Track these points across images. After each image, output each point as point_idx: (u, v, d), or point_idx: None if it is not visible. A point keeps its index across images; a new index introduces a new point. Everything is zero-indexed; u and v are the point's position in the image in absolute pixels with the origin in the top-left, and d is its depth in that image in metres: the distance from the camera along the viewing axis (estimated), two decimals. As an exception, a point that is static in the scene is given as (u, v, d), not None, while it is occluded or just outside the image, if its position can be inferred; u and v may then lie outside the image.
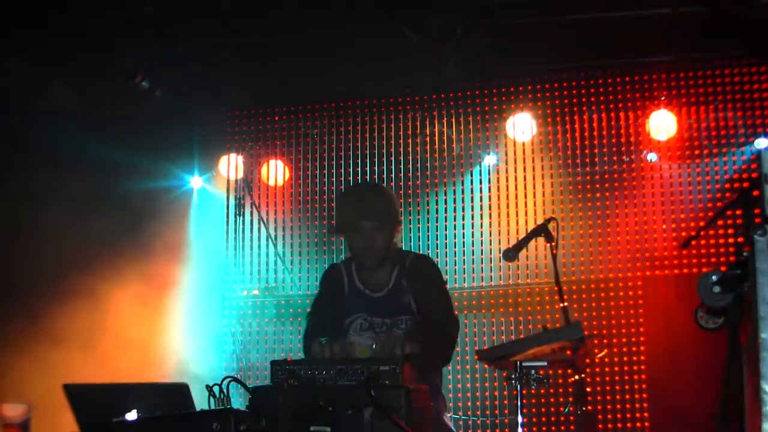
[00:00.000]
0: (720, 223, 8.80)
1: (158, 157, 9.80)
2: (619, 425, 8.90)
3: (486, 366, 8.29)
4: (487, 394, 9.19)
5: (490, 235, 9.48)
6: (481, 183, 9.60)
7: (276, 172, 10.05)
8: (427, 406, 4.37)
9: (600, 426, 8.85)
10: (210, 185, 10.30)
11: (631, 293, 9.08)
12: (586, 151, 9.38)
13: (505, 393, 8.99)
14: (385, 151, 9.75)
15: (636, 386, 8.93)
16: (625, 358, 8.96)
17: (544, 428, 8.89)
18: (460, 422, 9.20)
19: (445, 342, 5.30)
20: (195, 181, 10.24)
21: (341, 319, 5.44)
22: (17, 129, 8.87)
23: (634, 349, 8.97)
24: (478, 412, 9.17)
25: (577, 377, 5.65)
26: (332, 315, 5.47)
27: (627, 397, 8.91)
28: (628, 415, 8.89)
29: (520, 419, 5.01)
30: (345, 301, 5.50)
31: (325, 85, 9.55)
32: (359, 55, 8.95)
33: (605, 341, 5.64)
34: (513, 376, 4.93)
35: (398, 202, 5.59)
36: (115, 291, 9.14)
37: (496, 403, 9.16)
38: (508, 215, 9.47)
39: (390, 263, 5.47)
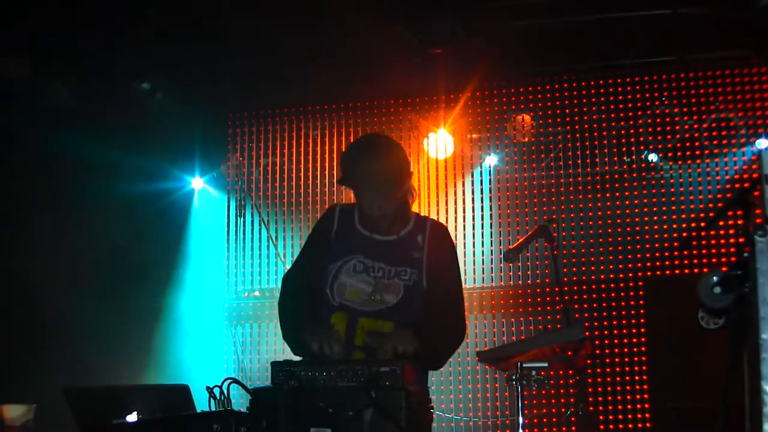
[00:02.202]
0: (721, 223, 8.81)
1: (159, 159, 9.79)
2: (621, 426, 8.90)
3: (487, 367, 8.29)
4: (488, 395, 9.20)
5: (491, 236, 9.49)
6: (482, 183, 9.61)
7: (277, 173, 10.05)
8: (427, 408, 4.37)
9: (601, 427, 8.85)
10: (211, 186, 10.30)
11: (632, 294, 9.08)
12: (587, 152, 9.38)
13: (506, 394, 8.99)
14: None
15: (637, 387, 8.93)
16: (626, 359, 8.96)
17: (545, 429, 8.88)
18: (461, 423, 9.20)
19: (450, 345, 5.01)
20: (196, 183, 10.25)
21: (320, 268, 4.98)
22: (17, 130, 8.87)
23: (635, 350, 8.97)
24: (480, 413, 9.17)
25: (578, 378, 5.65)
26: (309, 269, 5.04)
27: (628, 397, 8.91)
28: (630, 416, 8.89)
29: (521, 420, 5.01)
30: (327, 247, 5.03)
31: (326, 86, 9.56)
32: (360, 57, 8.95)
33: (607, 342, 5.61)
34: (514, 377, 4.93)
35: (404, 153, 5.09)
36: (116, 292, 9.15)
37: (497, 404, 9.16)
38: (509, 216, 9.48)
39: (404, 217, 5.06)
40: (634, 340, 8.98)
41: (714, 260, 8.86)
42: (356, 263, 4.92)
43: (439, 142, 9.65)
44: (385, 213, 4.91)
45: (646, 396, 8.89)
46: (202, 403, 4.26)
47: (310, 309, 4.85)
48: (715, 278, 3.47)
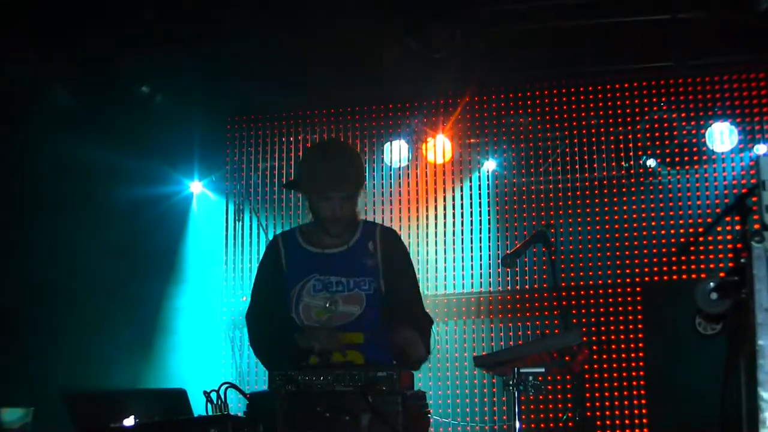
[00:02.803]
0: (718, 229, 8.80)
1: (158, 162, 9.78)
2: (618, 431, 8.89)
3: (484, 372, 8.29)
4: (485, 400, 9.19)
5: (489, 241, 9.49)
6: (480, 188, 9.61)
7: (276, 177, 10.04)
8: (424, 412, 4.38)
9: (598, 432, 8.86)
10: (209, 190, 10.29)
11: (629, 299, 9.07)
12: (585, 157, 9.38)
13: (504, 399, 8.99)
14: (384, 156, 9.75)
15: (635, 392, 8.92)
16: (623, 364, 8.96)
17: (542, 434, 8.89)
18: (459, 428, 9.20)
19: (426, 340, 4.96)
20: (194, 186, 10.23)
21: (281, 299, 5.01)
22: (15, 133, 8.86)
23: (632, 355, 8.97)
24: (477, 418, 9.17)
25: (575, 383, 5.65)
26: (272, 300, 5.09)
27: (626, 403, 8.91)
28: (627, 422, 8.88)
29: (518, 425, 5.00)
30: (281, 274, 5.04)
31: (325, 91, 9.56)
32: (358, 61, 8.96)
33: (605, 347, 5.60)
34: (511, 382, 4.92)
35: (362, 160, 5.14)
36: (114, 294, 9.14)
37: (495, 409, 9.16)
38: (507, 221, 9.48)
39: (352, 226, 5.05)
40: (632, 345, 8.98)
41: (711, 266, 8.86)
42: (314, 282, 4.93)
43: (437, 147, 9.65)
44: (343, 217, 4.92)
45: (643, 401, 8.88)
46: (199, 407, 4.27)
47: (283, 337, 4.85)
48: (712, 284, 3.48)
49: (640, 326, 9.01)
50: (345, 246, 5.01)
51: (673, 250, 9.00)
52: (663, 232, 9.12)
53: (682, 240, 8.97)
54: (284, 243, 5.13)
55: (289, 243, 5.12)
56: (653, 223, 9.17)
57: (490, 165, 9.61)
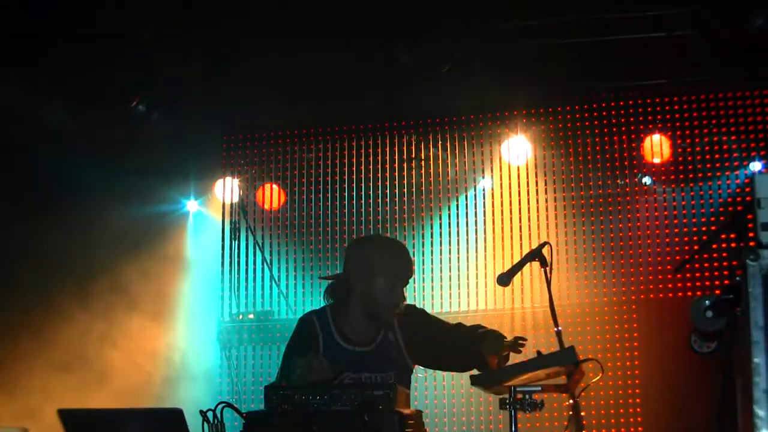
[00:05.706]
0: (714, 247, 8.80)
1: (154, 181, 9.79)
2: (614, 449, 8.89)
3: (481, 391, 8.27)
4: (482, 418, 9.17)
5: (485, 260, 9.48)
6: (475, 207, 9.61)
7: (271, 195, 10.04)
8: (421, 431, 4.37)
9: (595, 450, 8.84)
10: (206, 209, 10.29)
11: (625, 317, 9.06)
12: (581, 175, 9.38)
13: (500, 417, 8.97)
14: (380, 175, 9.75)
15: (630, 410, 8.91)
16: (619, 382, 8.94)
17: (539, 453, 8.86)
18: (455, 446, 9.17)
19: None
20: (191, 205, 10.24)
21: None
22: (13, 151, 8.87)
23: (628, 372, 8.95)
24: (473, 437, 9.15)
25: (571, 402, 5.64)
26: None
27: (621, 421, 8.89)
28: (624, 439, 8.88)
29: (514, 444, 5.00)
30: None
31: (321, 109, 9.57)
32: (355, 80, 8.98)
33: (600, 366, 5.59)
34: (507, 401, 4.92)
35: None
36: (111, 315, 9.13)
37: (491, 427, 9.13)
38: (502, 239, 9.47)
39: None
40: (627, 363, 8.97)
41: (707, 283, 8.86)
42: (347, 381, 5.07)
43: (432, 164, 9.65)
44: (400, 306, 5.27)
45: (639, 419, 8.86)
46: (195, 427, 4.26)
47: None
48: (707, 302, 3.49)
49: (635, 344, 9.00)
50: (373, 344, 5.28)
51: (669, 267, 8.99)
52: (658, 249, 9.11)
53: (677, 257, 8.96)
54: (322, 330, 5.29)
55: (325, 333, 5.28)
56: (648, 241, 9.15)
57: (485, 183, 9.61)
